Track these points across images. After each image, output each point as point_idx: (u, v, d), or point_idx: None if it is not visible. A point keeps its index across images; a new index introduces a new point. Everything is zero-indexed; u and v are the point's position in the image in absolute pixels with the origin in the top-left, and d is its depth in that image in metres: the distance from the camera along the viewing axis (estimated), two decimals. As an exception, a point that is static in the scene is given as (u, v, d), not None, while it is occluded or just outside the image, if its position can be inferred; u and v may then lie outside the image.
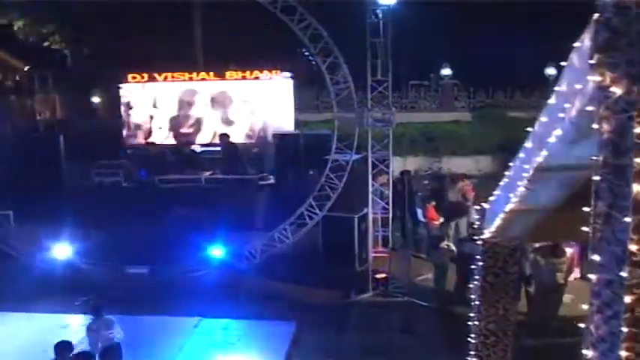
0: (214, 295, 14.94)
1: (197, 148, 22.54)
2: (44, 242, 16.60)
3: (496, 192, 7.30)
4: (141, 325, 13.39)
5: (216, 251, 16.16)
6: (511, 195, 6.38)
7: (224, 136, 21.10)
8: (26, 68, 30.45)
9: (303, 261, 16.54)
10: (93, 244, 17.24)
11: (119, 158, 21.70)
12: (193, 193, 19.66)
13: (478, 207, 8.32)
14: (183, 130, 22.97)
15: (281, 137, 20.33)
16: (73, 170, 21.13)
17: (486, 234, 7.48)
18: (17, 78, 30.04)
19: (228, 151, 20.53)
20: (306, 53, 19.10)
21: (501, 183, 7.01)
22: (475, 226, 8.58)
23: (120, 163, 21.15)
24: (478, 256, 7.84)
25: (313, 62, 18.73)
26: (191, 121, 22.88)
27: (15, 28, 29.54)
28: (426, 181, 22.05)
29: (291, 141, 20.00)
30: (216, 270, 16.04)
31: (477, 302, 7.95)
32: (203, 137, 22.75)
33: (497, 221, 7.09)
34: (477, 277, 7.95)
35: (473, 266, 8.25)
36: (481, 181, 19.48)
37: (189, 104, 22.82)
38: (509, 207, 6.54)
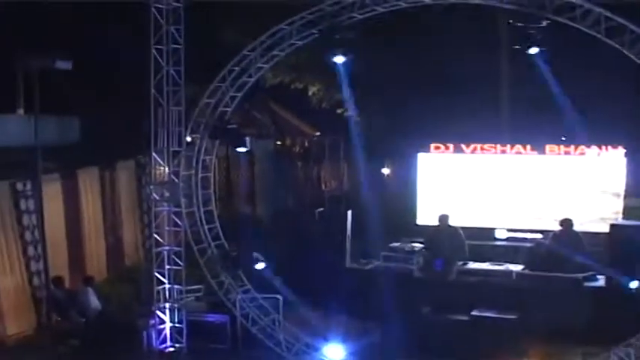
0: None
1: (502, 234, 19.87)
2: (314, 337, 15.29)
3: None
4: None
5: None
6: None
7: (566, 222, 18.27)
8: (316, 134, 29.50)
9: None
10: (371, 344, 15.58)
11: (413, 240, 19.61)
12: (499, 290, 17.28)
13: None
14: (486, 212, 20.26)
15: (617, 228, 17.18)
16: (358, 250, 19.45)
17: None
18: (306, 144, 29.22)
19: (567, 241, 17.80)
20: None
21: None
22: None
23: (414, 248, 19.13)
24: None
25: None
26: (497, 202, 20.16)
27: (309, 93, 28.56)
28: None
29: (631, 233, 16.68)
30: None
31: None
32: (511, 221, 19.96)
33: None
34: None
35: None
36: None
37: (499, 181, 20.23)
38: None
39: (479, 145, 20.34)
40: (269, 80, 26.85)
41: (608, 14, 13.20)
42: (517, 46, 14.49)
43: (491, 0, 14.18)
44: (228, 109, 15.79)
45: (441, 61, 23.41)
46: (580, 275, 17.01)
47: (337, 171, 27.11)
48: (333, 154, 25.39)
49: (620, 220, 18.10)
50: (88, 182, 19.52)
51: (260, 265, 16.04)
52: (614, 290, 16.28)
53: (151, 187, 15.72)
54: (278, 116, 30.57)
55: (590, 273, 17.09)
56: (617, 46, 13.22)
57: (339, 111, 28.86)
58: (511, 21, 13.85)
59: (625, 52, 13.30)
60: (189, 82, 14.97)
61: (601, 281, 17.07)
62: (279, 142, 29.73)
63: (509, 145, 20.21)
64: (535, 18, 13.59)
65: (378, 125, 28.81)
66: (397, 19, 19.92)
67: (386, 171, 27.70)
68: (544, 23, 13.59)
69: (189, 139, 15.86)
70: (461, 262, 18.43)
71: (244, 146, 16.51)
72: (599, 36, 13.23)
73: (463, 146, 20.44)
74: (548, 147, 19.84)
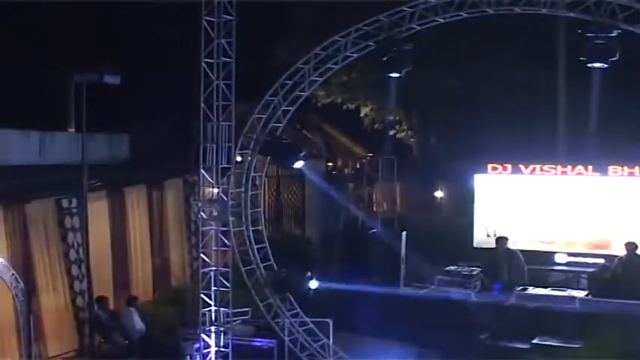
0: None
1: (562, 259, 19.05)
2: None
3: None
4: None
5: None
6: None
7: (630, 245, 17.47)
8: (368, 155, 28.92)
9: None
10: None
11: (470, 264, 18.94)
12: (561, 317, 16.52)
13: None
14: (546, 235, 19.49)
15: None
16: (412, 274, 18.80)
17: None
18: (357, 165, 28.63)
19: (634, 266, 17.11)
20: None
21: None
22: None
23: (471, 271, 18.47)
24: None
25: None
26: (557, 225, 19.38)
27: (361, 114, 28.03)
28: None
29: None
30: None
31: None
32: (571, 245, 19.20)
33: None
34: None
35: None
36: None
37: (559, 203, 19.46)
38: None
39: (538, 166, 19.67)
40: (321, 100, 26.50)
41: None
42: (583, 58, 13.44)
43: (557, 9, 13.28)
44: (280, 124, 15.13)
45: (495, 77, 22.71)
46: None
47: (390, 193, 26.39)
48: (386, 176, 24.69)
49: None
50: (135, 200, 19.01)
51: (314, 284, 15.29)
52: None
53: (199, 204, 15.04)
54: (330, 137, 30.12)
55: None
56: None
57: (391, 132, 28.46)
58: (580, 30, 12.82)
59: None
60: (239, 101, 14.32)
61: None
62: (330, 163, 29.22)
63: (570, 166, 19.50)
64: (605, 28, 12.61)
65: (432, 145, 28.22)
66: (448, 34, 19.29)
67: (439, 193, 27.04)
68: (614, 33, 12.59)
69: (239, 158, 15.20)
70: (520, 287, 17.80)
71: (300, 160, 15.55)
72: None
73: (522, 167, 19.79)
74: (611, 168, 19.00)
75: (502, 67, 22.53)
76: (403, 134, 28.74)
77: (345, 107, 27.44)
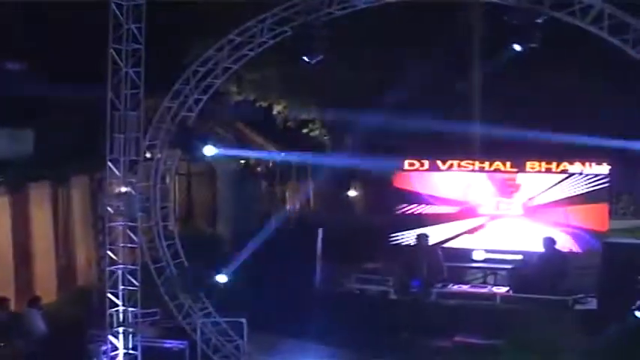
0: None
1: (479, 255, 18.75)
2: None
3: None
4: None
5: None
6: None
7: (547, 240, 17.30)
8: (282, 154, 28.43)
9: None
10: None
11: (388, 261, 18.62)
12: (482, 314, 16.21)
13: None
14: (465, 231, 19.24)
15: (611, 246, 16.21)
16: (330, 273, 18.45)
17: None
18: (270, 164, 28.15)
19: (553, 261, 16.81)
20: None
21: None
22: None
23: (389, 269, 18.15)
24: None
25: None
26: (477, 221, 19.20)
27: (274, 111, 27.47)
28: None
29: (623, 252, 15.75)
30: None
31: None
32: (489, 241, 18.91)
33: None
34: None
35: None
36: None
37: (480, 199, 19.30)
38: None
39: (455, 162, 19.39)
40: (233, 97, 25.86)
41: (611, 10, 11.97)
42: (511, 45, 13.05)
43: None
44: (191, 114, 14.38)
45: (411, 73, 22.34)
46: (570, 297, 16.03)
47: (304, 191, 26.10)
48: (300, 174, 24.32)
49: (615, 239, 17.17)
50: (39, 198, 18.24)
51: (223, 279, 14.76)
52: (606, 313, 15.08)
53: (106, 199, 14.12)
54: (242, 134, 29.50)
55: (581, 295, 16.16)
56: (620, 45, 11.95)
57: (305, 130, 28.00)
58: (506, 17, 12.40)
59: (629, 51, 12.06)
60: (149, 94, 13.48)
61: (592, 303, 16.08)
62: (243, 161, 28.57)
63: (487, 162, 19.25)
64: (529, 14, 12.22)
65: (347, 143, 27.85)
66: (362, 25, 18.78)
67: (356, 191, 26.78)
68: (540, 20, 12.21)
69: (148, 154, 14.41)
70: (440, 284, 17.42)
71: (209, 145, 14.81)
72: (601, 34, 11.94)
73: (439, 163, 19.48)
74: (528, 164, 18.88)
75: (418, 62, 22.21)
76: (317, 132, 28.39)
77: (257, 104, 26.92)
